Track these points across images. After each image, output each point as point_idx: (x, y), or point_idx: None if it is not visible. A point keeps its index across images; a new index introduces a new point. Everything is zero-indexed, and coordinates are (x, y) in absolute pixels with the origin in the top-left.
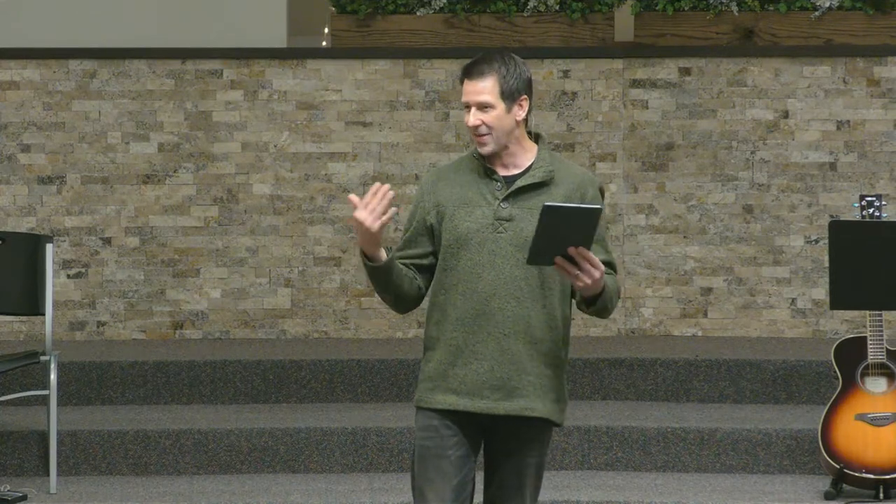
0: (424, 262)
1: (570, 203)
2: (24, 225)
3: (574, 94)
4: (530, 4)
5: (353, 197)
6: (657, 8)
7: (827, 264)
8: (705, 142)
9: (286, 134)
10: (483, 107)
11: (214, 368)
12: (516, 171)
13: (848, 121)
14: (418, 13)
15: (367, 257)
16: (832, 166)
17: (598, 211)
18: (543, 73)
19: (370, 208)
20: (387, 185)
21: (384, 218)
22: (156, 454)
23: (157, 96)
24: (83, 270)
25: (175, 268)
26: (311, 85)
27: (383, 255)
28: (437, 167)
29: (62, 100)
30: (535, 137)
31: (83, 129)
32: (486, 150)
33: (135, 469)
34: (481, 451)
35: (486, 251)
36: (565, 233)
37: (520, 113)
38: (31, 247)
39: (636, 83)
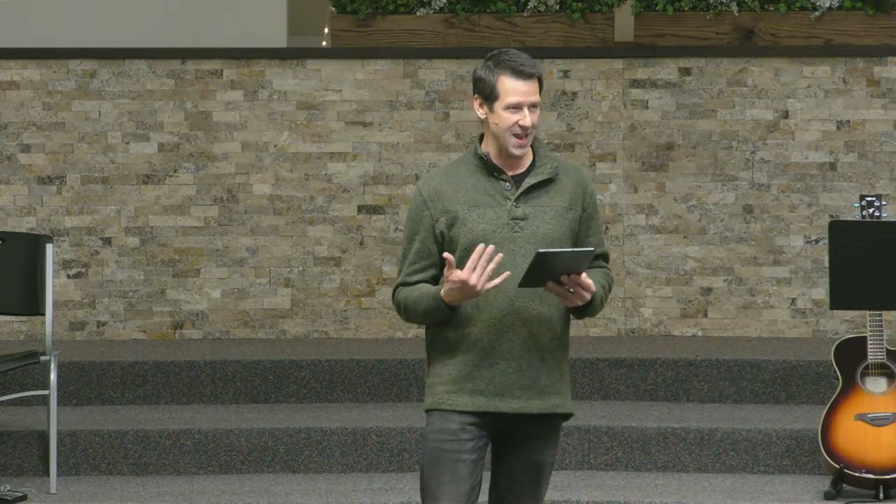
0: (437, 272)
1: (560, 248)
2: (24, 225)
3: (574, 94)
4: (530, 4)
5: (449, 256)
6: (657, 8)
7: (827, 264)
8: (705, 142)
9: (286, 134)
10: (533, 106)
11: (214, 368)
12: (520, 170)
13: (848, 121)
14: (418, 13)
15: (450, 307)
16: (832, 166)
17: (590, 253)
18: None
19: (479, 271)
20: (492, 246)
21: (496, 281)
22: (156, 454)
23: (157, 96)
24: (83, 270)
25: (175, 268)
26: (311, 85)
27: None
28: (430, 175)
29: (62, 100)
30: None
31: (83, 129)
32: (523, 150)
33: (135, 469)
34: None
35: (505, 251)
36: (557, 268)
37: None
38: (31, 247)
39: (636, 83)
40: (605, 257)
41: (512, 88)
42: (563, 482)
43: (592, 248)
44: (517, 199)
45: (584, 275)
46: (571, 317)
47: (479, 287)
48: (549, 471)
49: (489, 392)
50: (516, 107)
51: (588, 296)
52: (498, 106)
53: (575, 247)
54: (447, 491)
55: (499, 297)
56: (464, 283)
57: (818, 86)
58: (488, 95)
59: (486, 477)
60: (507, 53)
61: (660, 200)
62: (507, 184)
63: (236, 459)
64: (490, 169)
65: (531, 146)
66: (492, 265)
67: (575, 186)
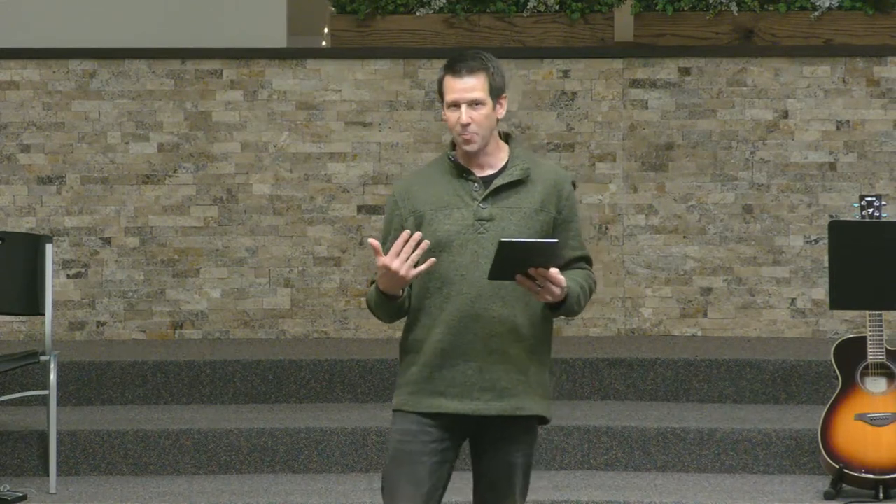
0: None
1: (524, 238)
2: (24, 225)
3: (574, 94)
4: (530, 4)
5: (374, 242)
6: (657, 8)
7: (827, 264)
8: (705, 142)
9: (286, 134)
10: (474, 104)
11: (214, 368)
12: (491, 171)
13: (848, 121)
14: (418, 13)
15: (386, 294)
16: (832, 166)
17: (556, 246)
18: (543, 73)
19: (403, 257)
20: (418, 234)
21: (421, 268)
22: (156, 454)
23: (157, 96)
24: (83, 270)
25: (175, 268)
26: (311, 85)
27: (402, 291)
28: (405, 176)
29: (62, 100)
30: (506, 137)
31: (83, 129)
32: (473, 147)
33: (135, 469)
34: (465, 454)
35: (468, 252)
36: (524, 261)
37: (501, 111)
38: (30, 247)
39: (636, 83)
40: (586, 260)
41: (450, 87)
42: (563, 482)
43: (557, 241)
44: (484, 200)
45: (555, 270)
46: (547, 313)
47: (402, 272)
48: (526, 471)
49: (449, 394)
50: (454, 104)
51: (558, 291)
52: (444, 106)
53: None
54: (405, 492)
55: (460, 298)
56: (386, 268)
57: (818, 86)
58: (441, 97)
59: (461, 477)
60: (458, 54)
61: (659, 200)
62: (476, 184)
63: (236, 459)
64: (459, 170)
65: (509, 146)
66: (418, 251)
67: (549, 188)
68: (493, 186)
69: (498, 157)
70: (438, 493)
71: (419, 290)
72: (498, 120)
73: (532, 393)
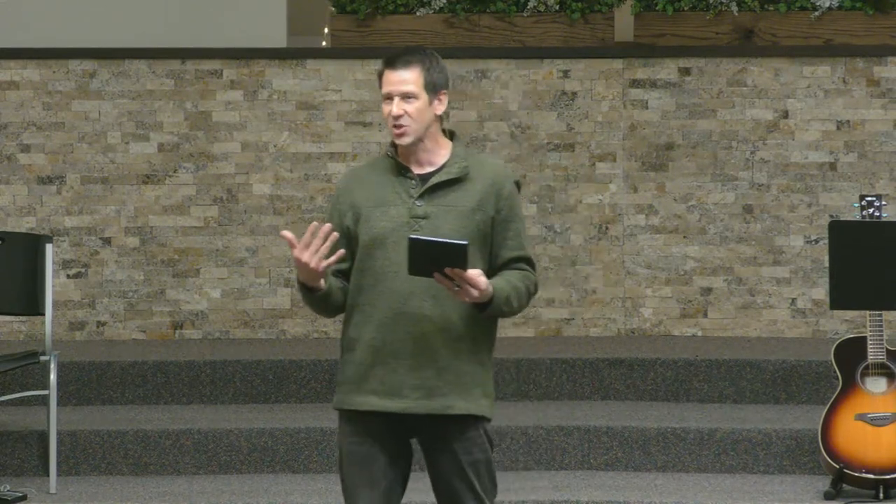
0: (345, 265)
1: (435, 238)
2: (24, 225)
3: (574, 94)
4: (530, 4)
5: (287, 234)
6: (657, 8)
7: (827, 264)
8: (705, 142)
9: (286, 134)
10: (407, 97)
11: (214, 368)
12: (431, 169)
13: (848, 121)
14: (418, 13)
15: (307, 287)
16: (832, 166)
17: (464, 247)
18: (543, 73)
19: (313, 249)
20: (328, 225)
21: (331, 259)
22: (156, 454)
23: (157, 96)
24: (83, 270)
25: (175, 268)
26: (311, 85)
27: (323, 283)
28: (350, 169)
29: (62, 100)
30: (450, 135)
31: (83, 129)
32: (405, 140)
33: (134, 469)
34: (418, 454)
35: (402, 250)
36: (435, 259)
37: (439, 107)
38: (30, 247)
39: (636, 83)
40: (526, 261)
41: (385, 80)
42: (563, 482)
43: (466, 242)
44: (420, 198)
45: (474, 272)
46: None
47: (312, 264)
48: (485, 470)
49: (381, 392)
50: (387, 97)
51: (475, 293)
52: (382, 99)
53: (485, 249)
54: (363, 494)
55: (392, 296)
56: (297, 260)
57: (818, 86)
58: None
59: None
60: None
61: (660, 200)
62: (414, 182)
63: (236, 459)
64: (399, 167)
65: (452, 144)
66: (328, 243)
67: (487, 188)
68: (429, 184)
69: (438, 155)
70: (397, 491)
71: (355, 287)
72: (437, 116)
73: (465, 392)
